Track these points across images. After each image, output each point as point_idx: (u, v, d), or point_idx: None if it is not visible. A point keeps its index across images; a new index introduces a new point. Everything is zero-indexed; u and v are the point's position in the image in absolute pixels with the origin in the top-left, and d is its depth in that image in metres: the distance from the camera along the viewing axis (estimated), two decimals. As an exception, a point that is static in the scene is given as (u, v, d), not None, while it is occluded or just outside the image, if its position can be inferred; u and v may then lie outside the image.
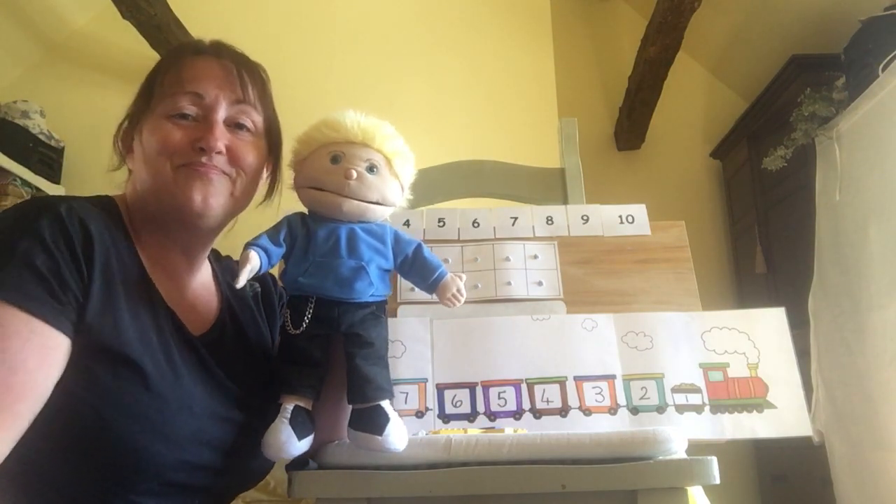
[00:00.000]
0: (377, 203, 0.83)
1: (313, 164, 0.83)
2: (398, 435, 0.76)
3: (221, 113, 0.84)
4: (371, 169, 0.82)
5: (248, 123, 0.87)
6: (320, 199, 0.82)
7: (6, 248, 0.68)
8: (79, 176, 2.69)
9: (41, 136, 2.58)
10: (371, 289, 0.82)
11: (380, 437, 0.74)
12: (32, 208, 0.73)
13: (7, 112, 2.56)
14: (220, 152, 0.82)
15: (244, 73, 0.88)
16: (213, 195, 0.82)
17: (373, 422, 0.76)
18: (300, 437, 0.76)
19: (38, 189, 2.53)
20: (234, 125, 0.86)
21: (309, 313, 0.80)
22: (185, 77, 0.84)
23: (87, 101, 2.75)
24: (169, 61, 0.86)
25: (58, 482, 0.71)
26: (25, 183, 2.48)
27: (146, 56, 2.58)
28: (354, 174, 0.80)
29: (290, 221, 0.84)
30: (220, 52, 0.88)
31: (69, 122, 2.71)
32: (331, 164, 0.82)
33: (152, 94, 0.84)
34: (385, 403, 0.78)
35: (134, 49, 2.63)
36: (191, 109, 0.83)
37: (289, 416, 0.77)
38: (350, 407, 0.82)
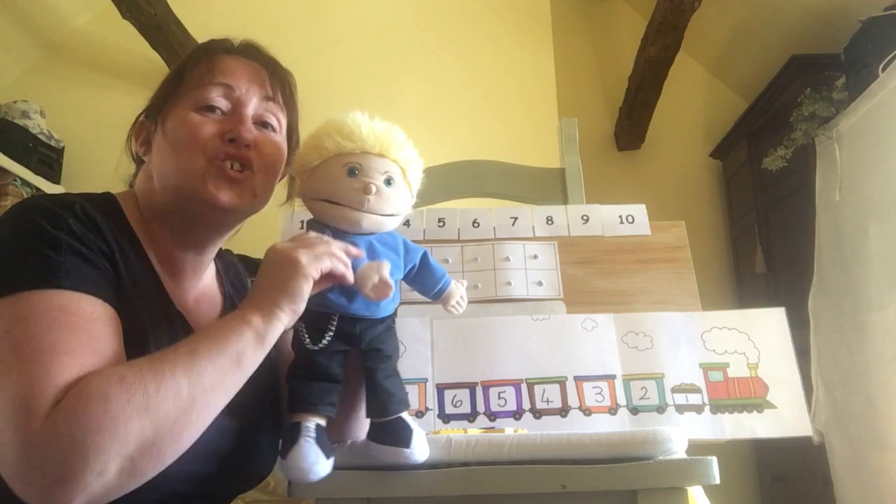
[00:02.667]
0: (392, 215, 0.82)
1: (327, 176, 0.79)
2: (423, 445, 0.75)
3: (251, 107, 0.84)
4: (388, 181, 0.80)
5: (274, 122, 0.87)
6: (335, 213, 0.79)
7: (51, 240, 0.68)
8: (79, 176, 2.69)
9: (41, 136, 2.58)
10: (394, 304, 0.82)
11: (407, 450, 0.74)
12: (56, 205, 0.72)
13: (7, 112, 2.56)
14: (248, 145, 0.82)
15: (274, 74, 0.88)
16: (240, 195, 0.82)
17: (398, 435, 0.75)
18: (328, 457, 0.74)
19: (37, 189, 2.52)
20: (260, 123, 0.86)
21: (331, 331, 0.78)
22: (217, 70, 0.84)
23: (87, 101, 2.75)
24: (199, 56, 0.86)
25: None
26: (25, 183, 2.47)
27: (146, 56, 2.58)
28: (374, 189, 0.77)
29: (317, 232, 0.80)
30: (251, 54, 0.89)
31: (69, 122, 2.71)
32: (347, 177, 0.78)
33: (180, 84, 0.84)
34: (405, 414, 0.78)
35: (134, 49, 2.63)
36: (220, 102, 0.83)
37: (314, 435, 0.74)
38: (360, 415, 0.82)
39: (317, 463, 0.72)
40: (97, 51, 2.85)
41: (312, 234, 0.78)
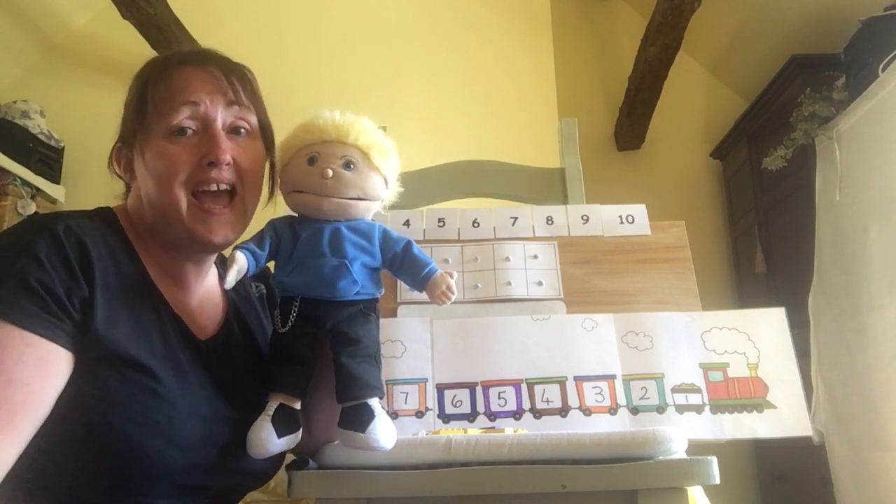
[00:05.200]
0: (357, 199, 0.83)
1: (292, 169, 0.84)
2: (384, 432, 0.75)
3: (220, 119, 0.84)
4: (348, 165, 0.82)
5: (245, 126, 0.87)
6: (301, 200, 0.84)
7: (4, 268, 0.69)
8: (79, 176, 2.69)
9: (41, 136, 2.58)
10: (356, 287, 0.81)
11: (362, 434, 0.74)
12: (30, 228, 0.74)
13: (7, 112, 2.56)
14: (228, 164, 0.82)
15: (232, 76, 0.87)
16: (233, 228, 0.85)
17: (357, 419, 0.75)
18: (280, 435, 0.77)
19: (38, 189, 2.53)
20: (231, 130, 0.86)
21: (294, 312, 0.81)
22: (175, 88, 0.83)
23: (87, 101, 2.75)
24: (156, 76, 0.85)
25: (70, 486, 0.72)
26: (25, 183, 2.48)
27: (146, 56, 2.53)
28: (330, 173, 0.81)
29: (275, 225, 0.84)
30: (205, 60, 0.87)
31: (69, 122, 2.71)
32: (307, 165, 0.83)
33: (145, 113, 0.83)
34: (373, 401, 0.78)
35: (134, 49, 2.63)
36: (189, 123, 0.82)
37: (271, 413, 0.78)
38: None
39: (265, 440, 0.76)
40: (97, 51, 2.85)
41: None
